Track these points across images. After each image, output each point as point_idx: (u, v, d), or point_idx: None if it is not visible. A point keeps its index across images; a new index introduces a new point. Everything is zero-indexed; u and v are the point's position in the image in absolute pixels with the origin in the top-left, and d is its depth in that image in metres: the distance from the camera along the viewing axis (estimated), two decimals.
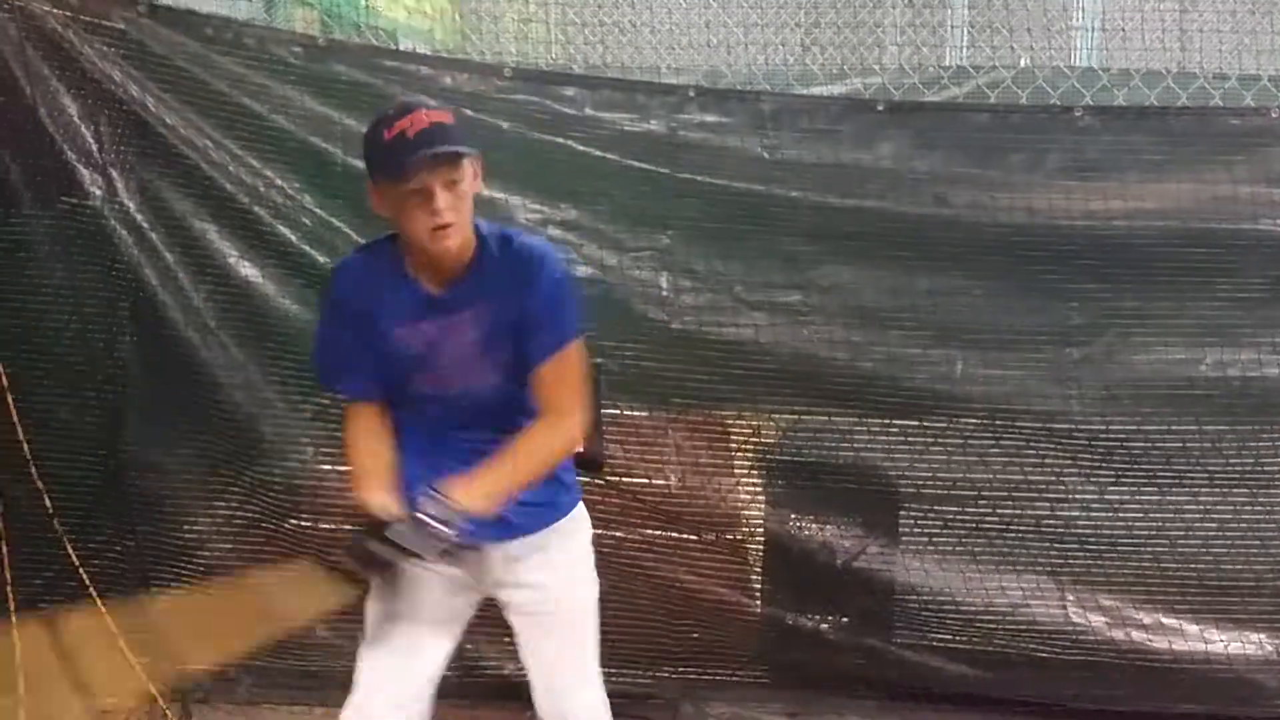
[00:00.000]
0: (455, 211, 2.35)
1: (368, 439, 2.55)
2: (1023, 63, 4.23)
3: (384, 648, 2.62)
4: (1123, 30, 4.51)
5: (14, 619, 3.51)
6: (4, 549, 3.51)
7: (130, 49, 3.53)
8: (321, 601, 2.47)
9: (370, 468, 2.51)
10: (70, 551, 3.60)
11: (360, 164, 2.52)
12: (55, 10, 3.47)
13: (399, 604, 2.59)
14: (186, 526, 3.80)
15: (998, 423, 3.55)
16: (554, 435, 2.49)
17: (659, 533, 3.74)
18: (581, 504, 2.71)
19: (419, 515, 2.32)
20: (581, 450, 3.60)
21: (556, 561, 2.64)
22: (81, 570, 3.61)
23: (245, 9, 4.16)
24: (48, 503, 3.56)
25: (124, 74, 3.53)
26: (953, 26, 5.39)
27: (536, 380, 2.46)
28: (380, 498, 2.42)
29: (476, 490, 2.37)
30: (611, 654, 3.77)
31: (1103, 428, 3.50)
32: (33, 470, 3.53)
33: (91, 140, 3.57)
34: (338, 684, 2.88)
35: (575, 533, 2.68)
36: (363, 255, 2.61)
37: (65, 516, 3.60)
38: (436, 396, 2.50)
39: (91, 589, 3.61)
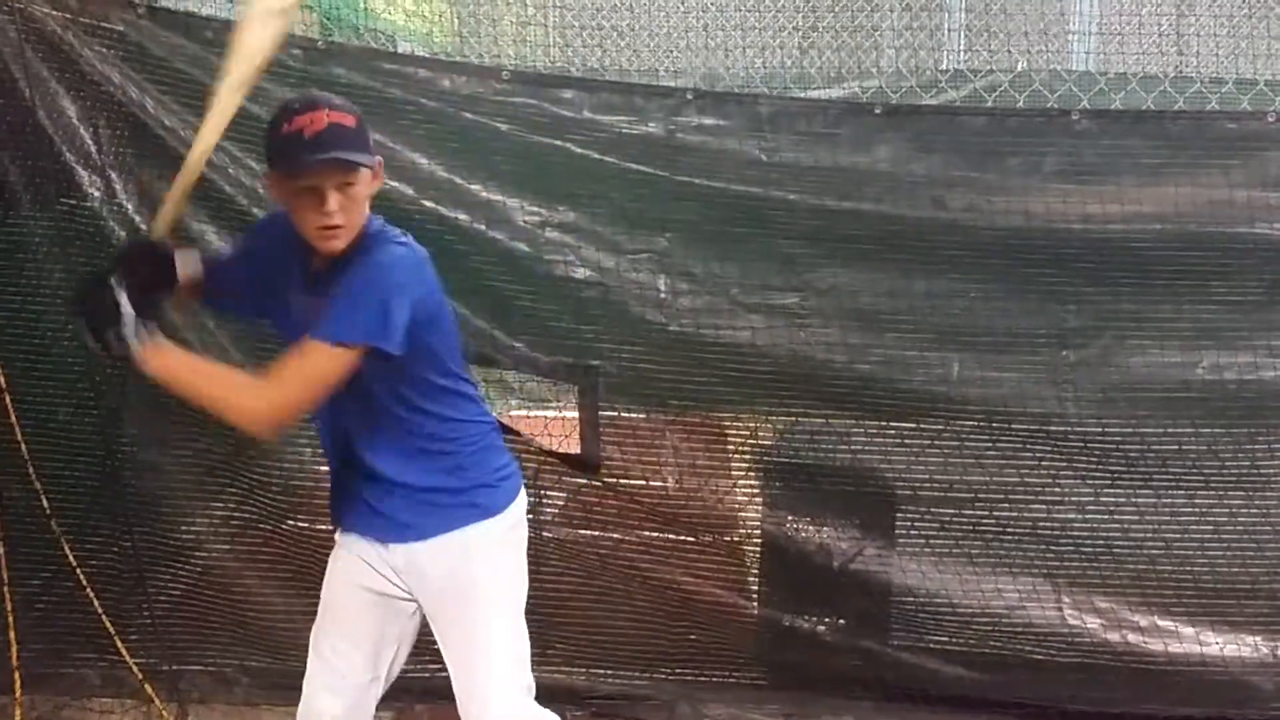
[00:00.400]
0: (345, 214, 2.38)
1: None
2: (1020, 66, 4.22)
3: (320, 643, 2.75)
4: (1120, 34, 4.51)
5: (11, 619, 3.53)
6: (1, 549, 3.52)
7: (129, 51, 3.54)
8: None
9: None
10: (67, 552, 3.60)
11: None
12: (54, 12, 3.48)
13: (331, 602, 2.74)
14: (184, 527, 3.82)
15: (994, 425, 3.56)
16: (245, 391, 2.44)
17: (656, 534, 3.75)
18: (494, 519, 2.66)
19: (124, 309, 2.35)
20: (577, 452, 3.65)
21: (453, 561, 2.63)
22: (79, 571, 3.62)
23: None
24: (45, 503, 3.57)
25: (123, 76, 3.54)
26: (949, 30, 5.39)
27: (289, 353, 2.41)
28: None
29: (162, 356, 2.40)
30: (609, 655, 3.81)
31: (1099, 430, 3.51)
32: (30, 470, 3.54)
33: (90, 141, 3.58)
34: None
35: (479, 542, 2.64)
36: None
37: (63, 517, 3.62)
38: None
39: (89, 589, 3.62)
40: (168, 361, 2.40)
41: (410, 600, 2.70)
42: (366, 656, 2.72)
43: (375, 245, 2.45)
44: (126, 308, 2.33)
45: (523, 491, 2.74)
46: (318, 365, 2.38)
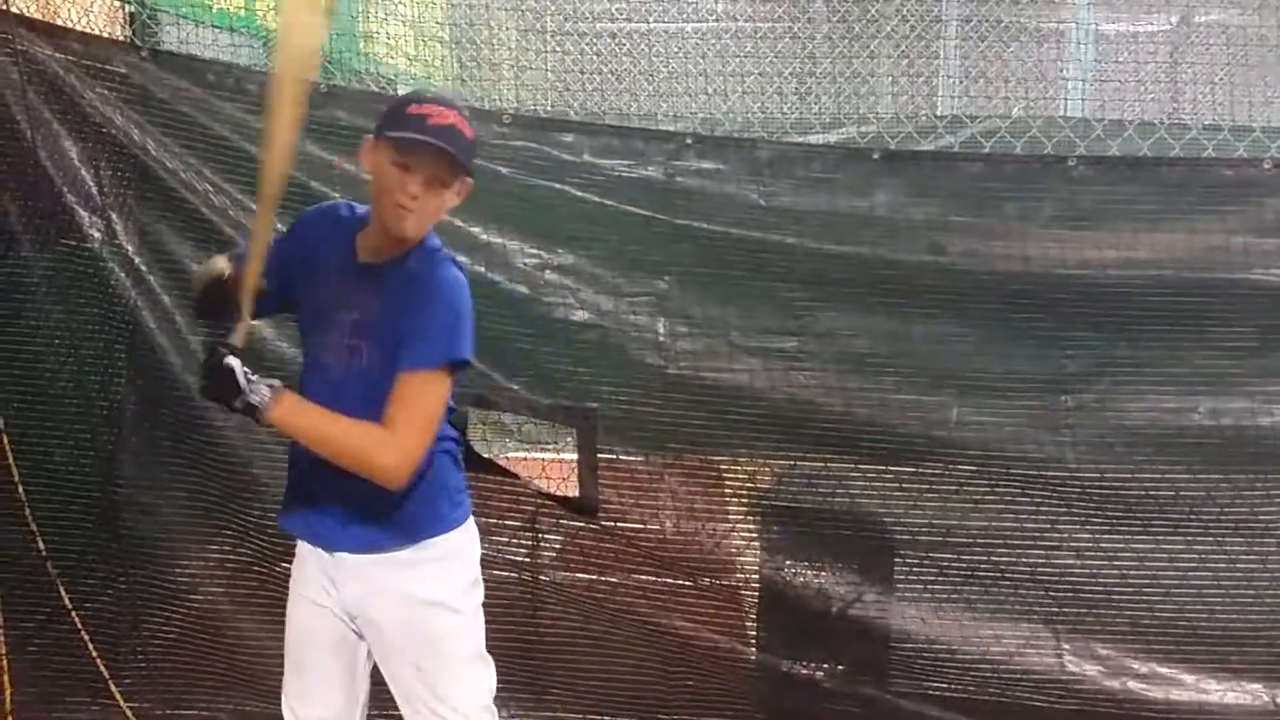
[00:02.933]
0: (421, 204, 2.41)
1: None
2: (1016, 112, 4.25)
3: (292, 694, 2.76)
4: (1116, 81, 4.55)
5: (5, 662, 3.50)
6: None
7: (132, 93, 3.57)
8: None
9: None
10: (63, 594, 3.58)
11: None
12: (57, 54, 3.50)
13: (298, 652, 2.76)
14: (179, 570, 3.79)
15: (993, 470, 3.55)
16: (375, 447, 2.42)
17: (653, 578, 3.73)
18: (456, 533, 2.67)
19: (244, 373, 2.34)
20: (575, 494, 3.64)
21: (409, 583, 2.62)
22: (74, 613, 3.60)
23: (247, 55, 4.19)
24: (41, 545, 3.56)
25: (125, 118, 3.56)
26: (945, 76, 5.43)
27: (392, 391, 2.43)
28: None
29: (286, 413, 2.39)
30: (605, 700, 3.78)
31: (1097, 475, 3.50)
32: (27, 512, 3.52)
33: (91, 183, 3.59)
34: None
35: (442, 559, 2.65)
36: (342, 208, 2.65)
37: (58, 559, 3.59)
38: (330, 358, 2.53)
39: (84, 632, 3.60)
40: (292, 420, 2.41)
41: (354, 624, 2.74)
42: (345, 693, 2.76)
43: (438, 263, 2.52)
44: (242, 379, 2.34)
45: None
46: (434, 393, 2.45)
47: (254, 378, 2.35)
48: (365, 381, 2.48)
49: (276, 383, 2.39)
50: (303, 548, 2.73)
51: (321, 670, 2.72)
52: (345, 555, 2.61)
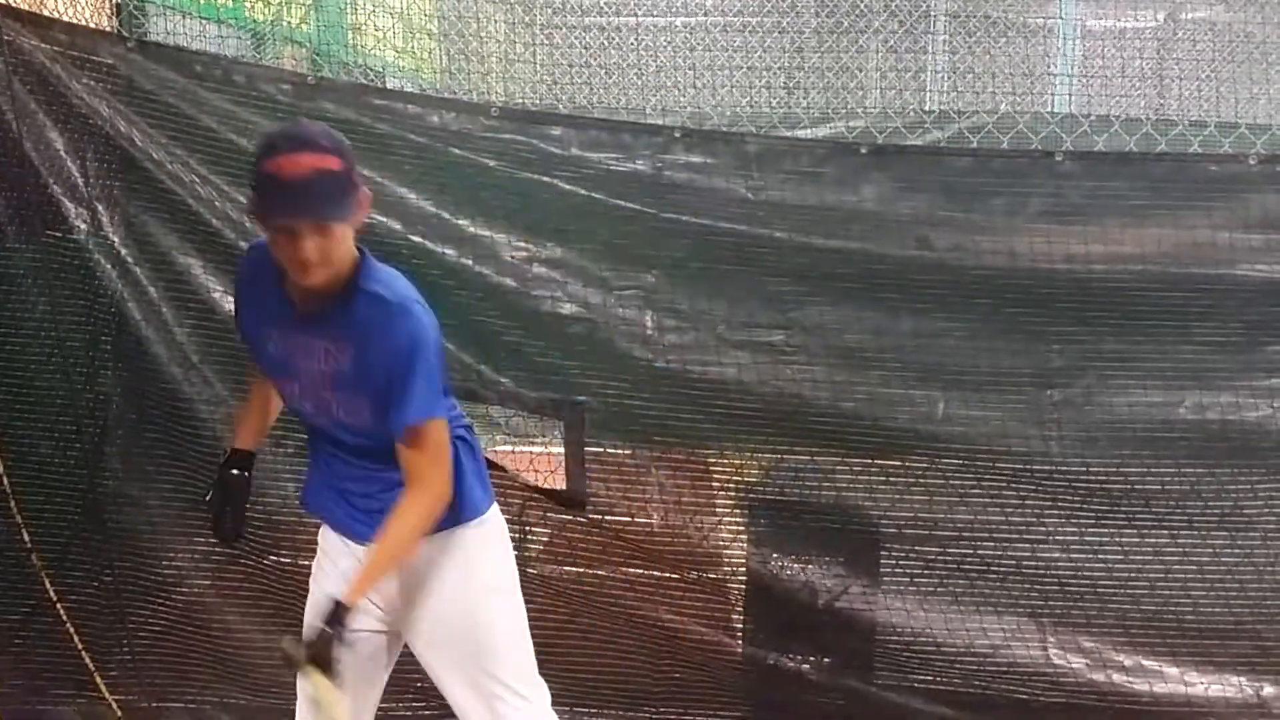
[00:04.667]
0: (322, 253, 2.32)
1: (258, 401, 2.79)
2: (1003, 108, 4.27)
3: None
4: (1102, 77, 4.57)
5: None
6: None
7: (118, 84, 3.55)
8: None
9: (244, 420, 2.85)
10: (48, 586, 3.57)
11: None
12: (43, 45, 3.49)
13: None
14: (165, 562, 3.78)
15: (979, 463, 3.56)
16: (418, 508, 2.49)
17: (641, 571, 3.73)
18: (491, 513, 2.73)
19: (328, 631, 2.40)
20: (562, 488, 3.64)
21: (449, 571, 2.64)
22: (59, 605, 3.59)
23: (234, 46, 4.18)
24: (26, 537, 3.55)
25: (111, 109, 3.54)
26: (933, 71, 5.46)
27: (398, 448, 2.48)
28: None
29: (358, 589, 2.45)
30: (592, 694, 3.78)
31: (1083, 469, 3.52)
32: (11, 504, 3.51)
33: (77, 174, 3.58)
34: None
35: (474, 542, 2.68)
36: (263, 250, 2.49)
37: (43, 551, 3.58)
38: (313, 413, 2.56)
39: (69, 624, 3.59)
40: (368, 586, 2.49)
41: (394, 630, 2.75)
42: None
43: (396, 314, 2.43)
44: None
45: None
46: (436, 441, 2.50)
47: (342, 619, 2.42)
48: (349, 428, 2.53)
49: (340, 595, 2.44)
50: (330, 537, 2.71)
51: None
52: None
